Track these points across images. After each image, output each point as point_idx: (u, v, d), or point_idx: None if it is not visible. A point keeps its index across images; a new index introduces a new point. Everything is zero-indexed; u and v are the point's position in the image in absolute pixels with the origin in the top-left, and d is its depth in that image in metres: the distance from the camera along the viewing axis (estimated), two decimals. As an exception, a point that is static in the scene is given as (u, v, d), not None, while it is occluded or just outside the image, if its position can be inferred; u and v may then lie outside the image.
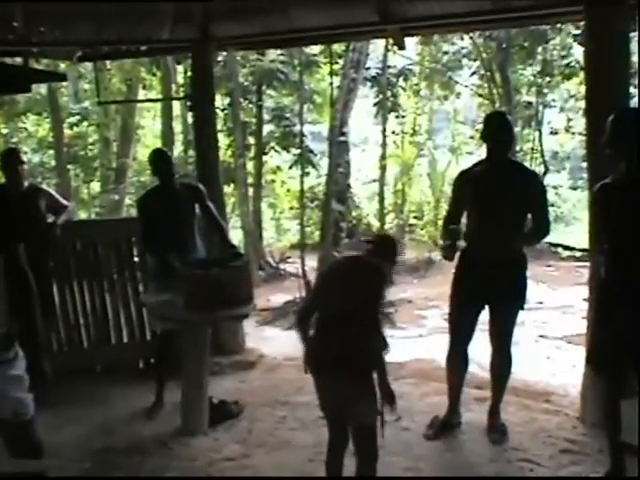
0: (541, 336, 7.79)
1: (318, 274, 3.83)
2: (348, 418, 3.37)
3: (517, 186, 4.26)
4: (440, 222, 16.66)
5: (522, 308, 4.43)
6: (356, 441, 3.39)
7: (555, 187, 16.82)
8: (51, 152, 16.32)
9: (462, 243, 4.47)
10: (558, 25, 12.73)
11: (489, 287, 4.26)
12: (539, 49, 14.73)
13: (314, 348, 3.39)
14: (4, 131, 16.11)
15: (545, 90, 15.74)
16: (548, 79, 15.35)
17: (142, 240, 5.59)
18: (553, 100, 16.60)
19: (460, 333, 4.53)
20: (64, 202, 5.72)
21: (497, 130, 4.36)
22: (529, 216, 4.37)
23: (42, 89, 14.55)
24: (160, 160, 5.28)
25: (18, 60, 6.36)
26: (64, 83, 13.73)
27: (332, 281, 3.49)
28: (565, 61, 14.48)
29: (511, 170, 4.38)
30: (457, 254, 4.45)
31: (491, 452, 4.34)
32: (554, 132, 17.09)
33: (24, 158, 5.62)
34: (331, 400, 3.39)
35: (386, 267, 3.43)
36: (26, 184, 5.48)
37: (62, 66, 10.80)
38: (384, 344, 3.35)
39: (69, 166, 15.80)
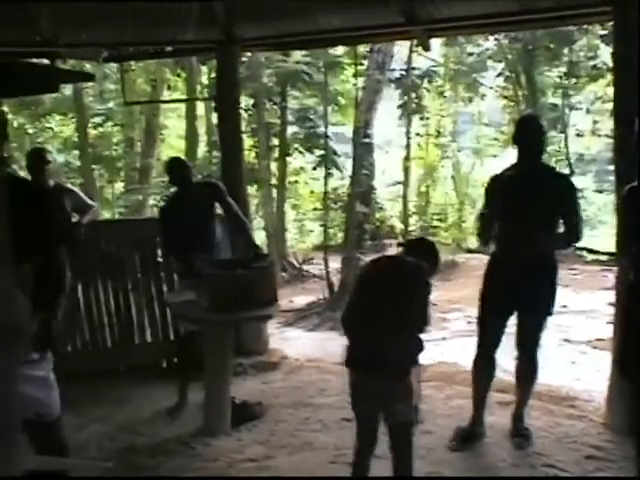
0: (565, 340, 7.73)
1: (357, 273, 3.82)
2: (386, 416, 3.37)
3: (549, 190, 4.22)
4: (464, 225, 16.72)
5: (550, 314, 4.38)
6: (394, 439, 3.41)
7: (581, 190, 16.68)
8: (76, 152, 16.47)
9: (492, 247, 4.44)
10: (584, 26, 12.63)
11: (518, 292, 4.22)
12: (565, 50, 14.62)
13: (350, 347, 3.40)
14: (30, 131, 16.28)
15: (571, 92, 15.61)
16: (574, 81, 15.23)
17: (164, 247, 5.65)
18: (579, 102, 16.46)
19: (488, 339, 4.47)
20: (89, 202, 5.76)
21: (530, 134, 4.32)
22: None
23: (67, 89, 14.69)
24: (176, 169, 5.30)
25: (44, 61, 6.42)
26: (89, 83, 13.86)
27: (369, 279, 3.48)
28: (591, 62, 14.36)
29: (543, 174, 4.34)
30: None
31: (514, 457, 4.30)
32: (580, 134, 16.96)
33: (50, 158, 5.66)
34: (366, 399, 3.38)
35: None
36: (52, 183, 5.53)
37: (88, 67, 10.90)
38: (420, 345, 3.36)
39: (93, 166, 15.93)
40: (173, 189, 5.60)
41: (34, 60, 6.37)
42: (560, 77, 15.46)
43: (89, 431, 4.80)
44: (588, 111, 16.58)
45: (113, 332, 6.10)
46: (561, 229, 4.36)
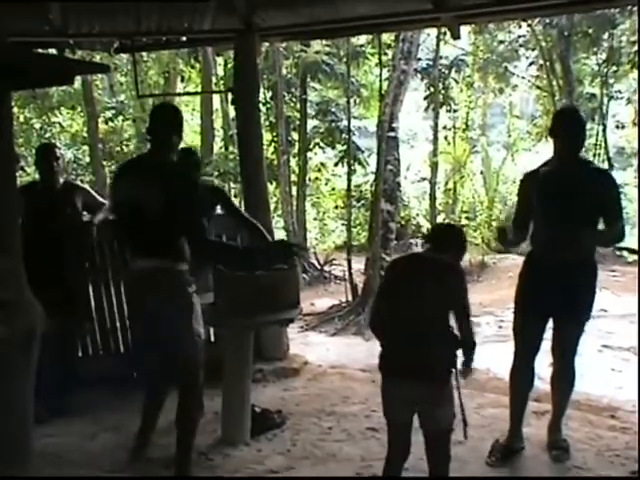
0: (605, 346, 7.67)
1: (384, 275, 3.85)
2: (423, 423, 3.39)
3: (589, 187, 4.16)
4: (494, 224, 16.63)
5: (589, 318, 4.33)
6: (432, 447, 3.43)
7: (621, 186, 16.56)
8: (85, 147, 16.57)
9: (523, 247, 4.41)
10: (628, 7, 12.39)
11: (556, 295, 4.17)
12: (605, 35, 14.40)
13: (385, 351, 3.43)
14: (37, 125, 16.38)
15: (611, 80, 15.47)
16: (614, 68, 15.07)
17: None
18: (619, 91, 16.31)
19: (525, 346, 4.41)
20: (101, 200, 5.78)
21: (569, 127, 4.27)
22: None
23: (76, 82, 14.78)
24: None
25: (52, 52, 6.47)
26: (99, 75, 13.94)
27: (399, 281, 3.49)
28: (635, 48, 14.12)
29: (582, 170, 4.29)
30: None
31: (552, 470, 4.26)
32: (620, 126, 16.83)
33: (59, 154, 5.67)
34: (403, 405, 3.39)
35: (452, 260, 3.46)
36: (62, 181, 5.56)
37: (97, 58, 10.94)
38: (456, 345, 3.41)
39: (104, 162, 16.01)
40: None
41: (40, 51, 6.43)
42: (599, 64, 15.33)
43: (101, 440, 4.81)
44: (629, 101, 16.40)
45: (126, 336, 6.12)
46: (600, 227, 4.32)
